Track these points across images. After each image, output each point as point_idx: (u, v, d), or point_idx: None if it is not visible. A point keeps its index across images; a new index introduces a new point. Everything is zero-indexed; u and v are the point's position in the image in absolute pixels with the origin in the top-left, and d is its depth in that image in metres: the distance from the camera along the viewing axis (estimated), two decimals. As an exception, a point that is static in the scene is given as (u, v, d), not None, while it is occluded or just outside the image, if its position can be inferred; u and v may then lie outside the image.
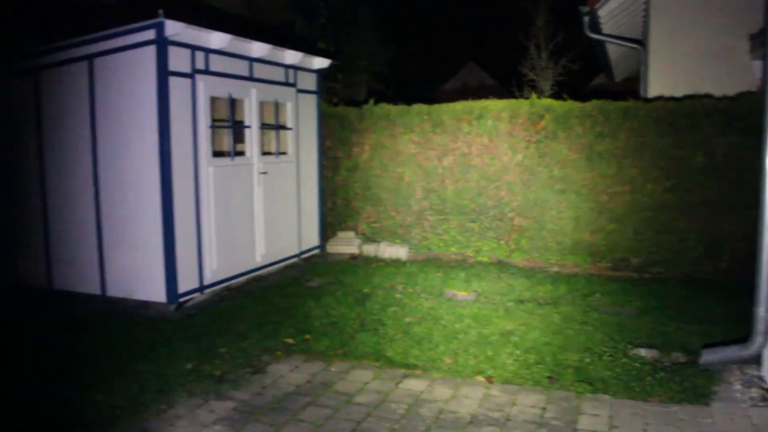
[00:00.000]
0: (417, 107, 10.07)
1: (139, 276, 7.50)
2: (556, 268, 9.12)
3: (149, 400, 4.82)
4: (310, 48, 9.82)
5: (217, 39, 7.70)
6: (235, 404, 4.76)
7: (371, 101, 10.45)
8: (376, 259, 9.91)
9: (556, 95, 12.08)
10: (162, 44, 7.08)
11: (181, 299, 7.37)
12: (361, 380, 5.23)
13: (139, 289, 7.50)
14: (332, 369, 5.48)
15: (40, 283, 8.29)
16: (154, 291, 7.34)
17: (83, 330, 6.54)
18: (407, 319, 6.75)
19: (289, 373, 5.38)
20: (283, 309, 7.19)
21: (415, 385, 5.13)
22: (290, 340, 6.14)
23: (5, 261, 8.61)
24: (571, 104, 9.24)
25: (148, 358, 5.67)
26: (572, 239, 9.25)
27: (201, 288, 7.70)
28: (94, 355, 5.79)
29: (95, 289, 7.85)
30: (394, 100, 10.43)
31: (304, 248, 9.96)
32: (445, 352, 5.80)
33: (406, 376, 5.30)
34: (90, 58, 7.60)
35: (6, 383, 5.10)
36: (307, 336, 6.26)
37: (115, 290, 7.72)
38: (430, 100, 10.55)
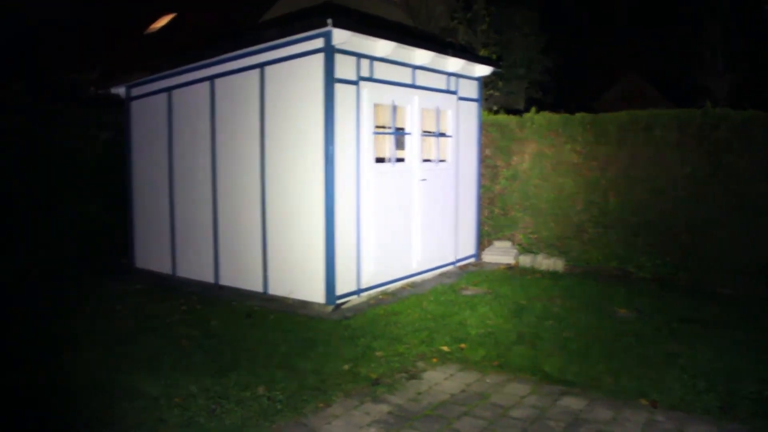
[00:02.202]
0: (580, 116, 9.74)
1: (299, 276, 7.74)
2: (727, 290, 8.48)
3: (308, 396, 4.93)
4: (472, 55, 9.78)
5: (381, 47, 7.82)
6: (390, 408, 4.77)
7: (533, 109, 10.23)
8: (533, 271, 9.67)
9: (733, 104, 11.30)
10: (329, 52, 7.28)
11: (339, 301, 7.52)
12: (518, 394, 5.08)
13: (298, 289, 7.75)
14: (488, 380, 5.36)
15: (207, 278, 8.80)
16: (313, 291, 7.55)
17: (247, 324, 6.83)
18: (565, 334, 6.51)
19: (443, 381, 5.32)
20: (438, 316, 7.16)
21: (573, 403, 4.91)
22: (446, 348, 6.09)
23: (182, 257, 9.19)
24: (752, 113, 8.58)
25: (307, 356, 5.81)
26: (746, 261, 8.54)
27: (358, 291, 7.83)
28: (257, 348, 6.02)
29: (257, 287, 8.20)
30: (553, 109, 10.16)
31: (460, 256, 9.90)
32: (606, 370, 5.52)
33: (563, 393, 5.09)
34: (261, 66, 7.95)
35: (181, 369, 5.42)
36: (463, 345, 6.18)
37: (275, 288, 8.02)
38: (591, 109, 10.20)
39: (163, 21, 15.90)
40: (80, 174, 9.95)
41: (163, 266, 9.69)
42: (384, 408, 4.77)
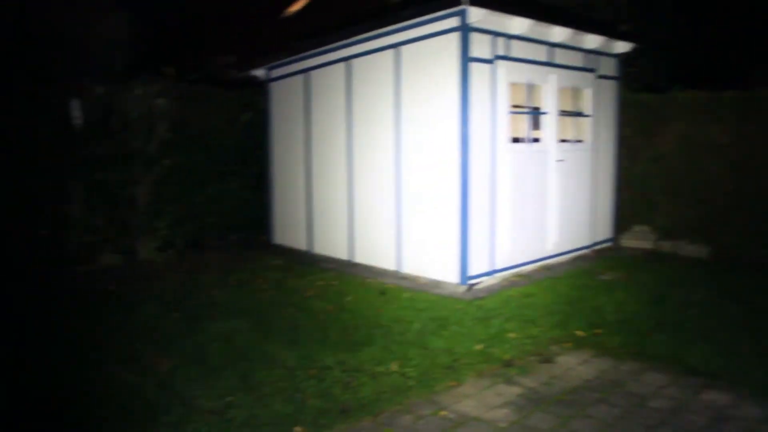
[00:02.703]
0: (730, 95, 9.13)
1: (432, 256, 7.79)
2: None
3: (439, 375, 4.97)
4: (612, 31, 9.38)
5: (517, 24, 7.68)
6: (522, 390, 4.72)
7: (677, 87, 9.71)
8: (674, 257, 9.25)
9: None
10: (464, 31, 7.22)
11: (472, 281, 7.51)
12: (656, 384, 4.89)
13: (431, 268, 7.80)
14: (623, 368, 5.20)
15: (341, 255, 9.05)
16: (446, 271, 7.58)
17: (381, 301, 6.96)
18: (709, 324, 6.18)
19: (577, 366, 5.21)
20: (572, 300, 7.00)
21: (717, 397, 4.67)
22: (580, 333, 5.95)
23: (318, 234, 9.48)
24: None
25: (440, 334, 5.85)
26: None
27: (491, 272, 7.79)
28: (391, 325, 6.13)
29: (391, 265, 8.33)
30: (699, 87, 9.59)
31: (596, 240, 9.62)
32: (757, 365, 5.20)
33: (707, 386, 4.84)
34: (396, 46, 8.01)
35: (317, 342, 5.61)
36: (598, 330, 6.01)
37: (408, 267, 8.12)
38: (740, 87, 9.53)
39: (298, 5, 16.38)
40: (224, 153, 10.43)
41: (299, 243, 10.04)
42: (516, 390, 4.73)
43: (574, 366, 5.21)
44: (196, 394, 4.64)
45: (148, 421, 4.24)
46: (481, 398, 4.59)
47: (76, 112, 8.55)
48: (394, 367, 5.08)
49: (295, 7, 16.28)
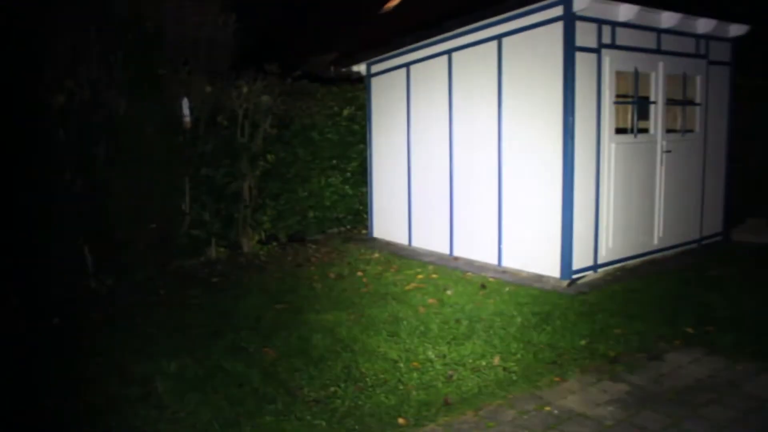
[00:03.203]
0: None
1: (534, 250, 7.68)
2: None
3: (543, 369, 4.91)
4: (725, 14, 8.93)
5: (624, 11, 7.44)
6: (629, 388, 4.59)
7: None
8: (792, 252, 8.77)
9: None
10: (569, 20, 7.07)
11: (574, 276, 7.35)
12: (775, 384, 4.66)
13: (533, 263, 7.69)
14: (738, 367, 4.97)
15: (441, 249, 9.07)
16: (548, 265, 7.46)
17: (482, 295, 6.92)
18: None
19: (688, 365, 5.02)
20: (680, 296, 6.75)
21: None
22: (690, 330, 5.72)
23: (418, 228, 9.51)
24: None
25: (542, 329, 5.76)
26: None
27: (594, 266, 7.60)
28: (493, 319, 6.08)
29: (491, 259, 8.27)
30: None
31: (705, 234, 9.21)
32: None
33: (833, 389, 4.58)
34: (498, 38, 7.92)
35: (418, 335, 5.64)
36: (709, 328, 5.76)
37: (509, 261, 8.03)
38: None
39: (395, 0, 16.42)
40: (326, 148, 10.61)
41: (399, 237, 10.09)
42: (623, 387, 4.61)
43: (684, 364, 5.03)
44: (301, 384, 4.75)
45: (255, 409, 4.37)
46: (585, 394, 4.49)
47: (186, 109, 8.88)
48: (496, 361, 5.05)
49: (392, 3, 16.34)
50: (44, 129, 7.71)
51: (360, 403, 4.39)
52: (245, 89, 9.45)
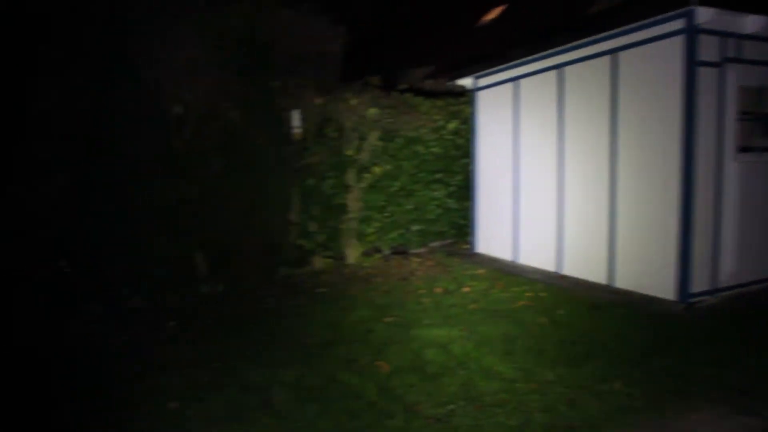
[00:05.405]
0: None
1: (648, 271, 7.42)
2: None
3: (668, 397, 4.70)
4: None
5: (750, 23, 7.10)
6: (766, 424, 4.34)
7: None
8: None
9: None
10: (691, 33, 6.82)
11: (691, 299, 7.05)
12: None
13: (647, 284, 7.43)
14: None
15: (548, 266, 8.89)
16: (664, 288, 7.18)
17: (594, 316, 6.73)
18: None
19: (827, 400, 4.71)
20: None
21: None
22: (827, 362, 5.38)
23: (524, 245, 9.36)
24: None
25: (661, 354, 5.52)
26: None
27: (713, 291, 7.26)
28: (608, 341, 5.89)
29: (601, 279, 8.04)
30: None
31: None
32: None
33: None
34: (612, 52, 7.74)
35: (534, 355, 5.52)
36: None
37: (621, 282, 7.79)
38: None
39: (493, 13, 16.25)
40: (430, 161, 10.61)
41: (503, 252, 9.97)
42: (757, 422, 4.35)
43: (825, 400, 4.72)
44: (418, 400, 4.72)
45: (374, 423, 4.37)
46: (717, 427, 4.27)
47: (297, 121, 9.06)
48: (617, 385, 4.87)
49: (490, 16, 16.20)
50: (162, 139, 8.01)
51: (480, 422, 4.32)
52: (353, 101, 9.56)
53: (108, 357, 5.91)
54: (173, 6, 8.04)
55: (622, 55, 7.64)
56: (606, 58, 7.86)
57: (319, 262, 9.63)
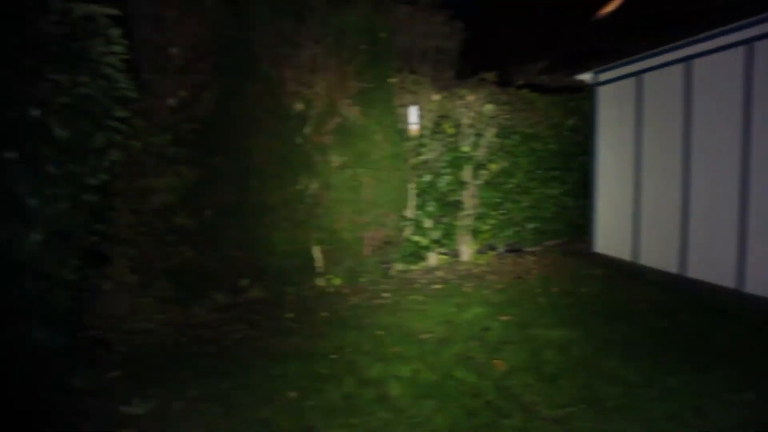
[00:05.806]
0: None
1: (783, 275, 7.02)
2: None
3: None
4: None
5: None
6: None
7: None
8: None
9: None
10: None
11: (832, 307, 6.62)
12: None
13: (782, 290, 7.03)
14: None
15: (670, 268, 8.50)
16: (800, 294, 6.78)
17: (721, 322, 6.43)
18: None
19: None
20: None
21: None
22: None
23: (645, 245, 9.07)
24: None
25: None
26: None
27: None
28: (736, 348, 5.61)
29: (728, 282, 7.64)
30: None
31: None
32: None
33: None
34: (748, 42, 7.33)
35: (656, 360, 5.34)
36: None
37: (753, 287, 7.37)
38: None
39: (611, 6, 15.75)
40: (547, 158, 10.44)
41: (622, 252, 9.65)
42: None
43: None
44: (535, 400, 4.67)
45: (492, 422, 4.35)
46: None
47: (414, 117, 9.11)
48: (750, 396, 4.64)
49: (608, 9, 15.70)
50: (284, 135, 8.24)
51: (602, 427, 4.22)
52: (470, 98, 9.52)
53: (228, 344, 6.16)
54: (297, 5, 8.27)
55: (759, 45, 7.22)
56: (739, 50, 7.46)
57: (433, 259, 9.67)
